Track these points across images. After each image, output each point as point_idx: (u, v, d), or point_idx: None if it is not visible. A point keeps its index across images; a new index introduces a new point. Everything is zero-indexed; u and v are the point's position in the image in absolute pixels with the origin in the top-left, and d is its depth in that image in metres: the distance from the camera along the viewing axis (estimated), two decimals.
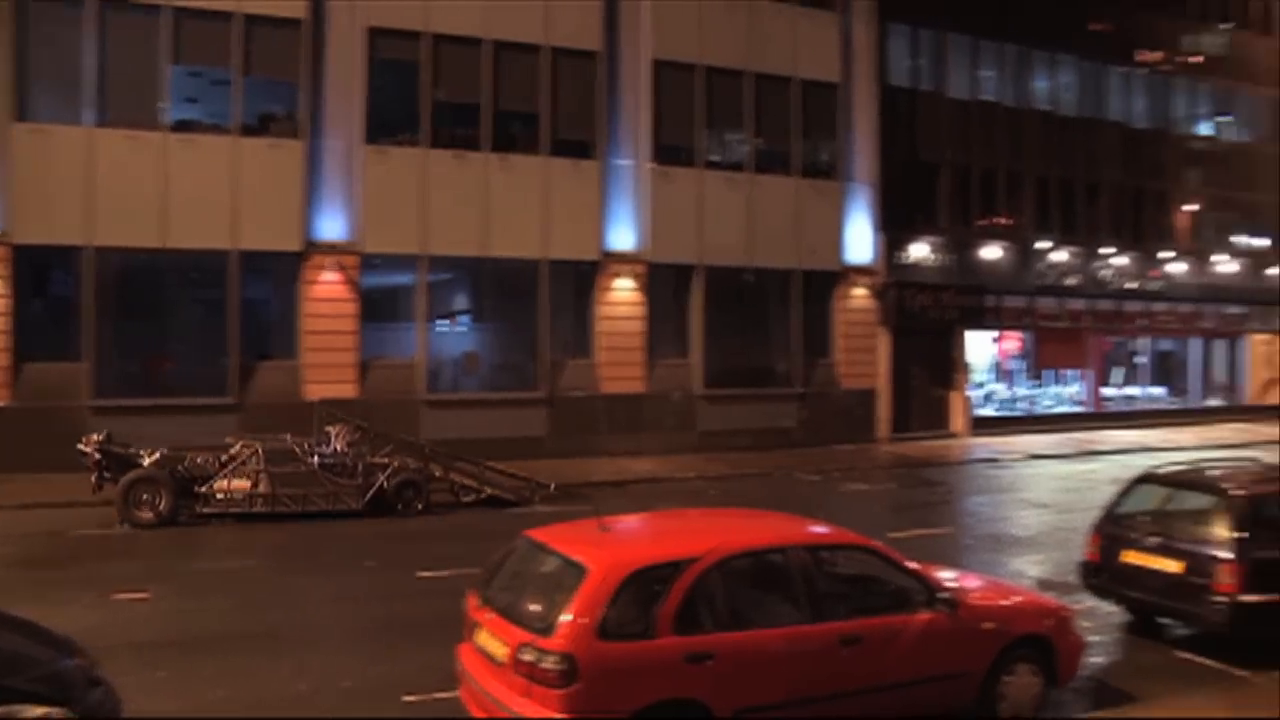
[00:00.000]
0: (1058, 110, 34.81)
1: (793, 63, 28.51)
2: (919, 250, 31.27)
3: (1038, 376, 35.69)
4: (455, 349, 26.23)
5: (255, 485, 17.06)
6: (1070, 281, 34.61)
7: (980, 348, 34.32)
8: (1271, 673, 10.18)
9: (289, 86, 23.23)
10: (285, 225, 23.03)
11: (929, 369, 31.68)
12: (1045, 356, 35.49)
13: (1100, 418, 35.61)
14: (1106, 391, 37.18)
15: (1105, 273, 35.41)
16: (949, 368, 32.22)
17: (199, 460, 17.29)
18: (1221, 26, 39.41)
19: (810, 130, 28.99)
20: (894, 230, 30.60)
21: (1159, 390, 38.90)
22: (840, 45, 29.38)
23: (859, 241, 29.98)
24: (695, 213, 27.24)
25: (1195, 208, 38.59)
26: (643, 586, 7.25)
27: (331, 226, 23.77)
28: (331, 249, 23.65)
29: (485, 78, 25.02)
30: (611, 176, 26.49)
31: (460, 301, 27.71)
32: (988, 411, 33.75)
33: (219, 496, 16.93)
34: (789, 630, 7.63)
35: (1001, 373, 35.45)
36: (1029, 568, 14.90)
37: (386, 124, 24.19)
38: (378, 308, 24.77)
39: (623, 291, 26.55)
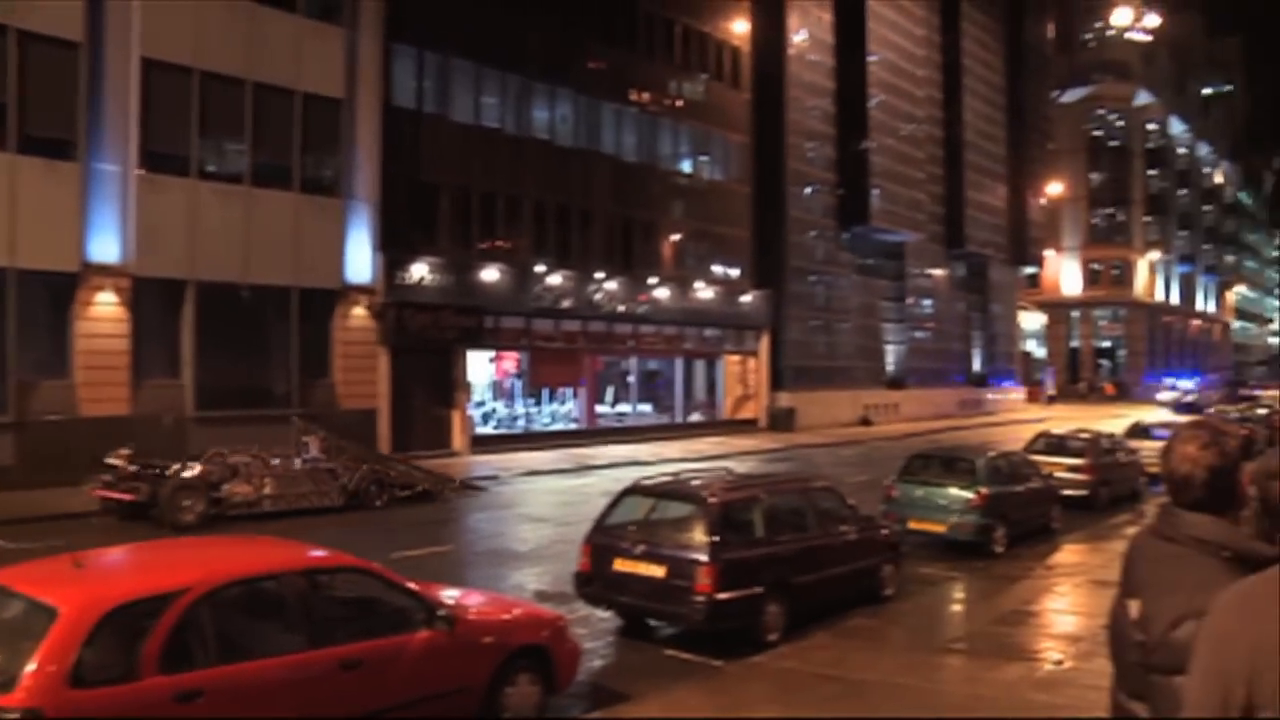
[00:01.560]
0: (556, 140, 35.85)
1: (296, 75, 27.66)
2: (420, 270, 31.19)
3: (536, 395, 36.53)
4: None
5: (263, 488, 19.83)
6: (566, 304, 35.56)
7: (480, 367, 34.75)
8: (743, 660, 11.30)
9: None
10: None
11: (430, 389, 31.78)
12: (542, 376, 36.42)
13: (595, 434, 37.05)
14: (600, 409, 38.58)
15: (598, 296, 36.59)
16: (449, 387, 32.43)
17: (210, 468, 19.46)
18: (701, 76, 42.50)
19: (312, 145, 28.27)
20: (395, 250, 30.45)
21: (647, 407, 41.04)
22: (345, 61, 28.88)
23: (359, 260, 29.61)
24: (187, 225, 25.66)
25: (678, 238, 40.97)
26: (123, 625, 6.70)
27: None
28: None
29: None
30: (94, 182, 24.35)
31: None
32: (488, 430, 34.30)
33: (236, 499, 19.42)
34: (286, 659, 7.37)
35: (501, 391, 36.10)
36: (529, 581, 15.27)
37: None
38: None
39: (105, 306, 24.47)
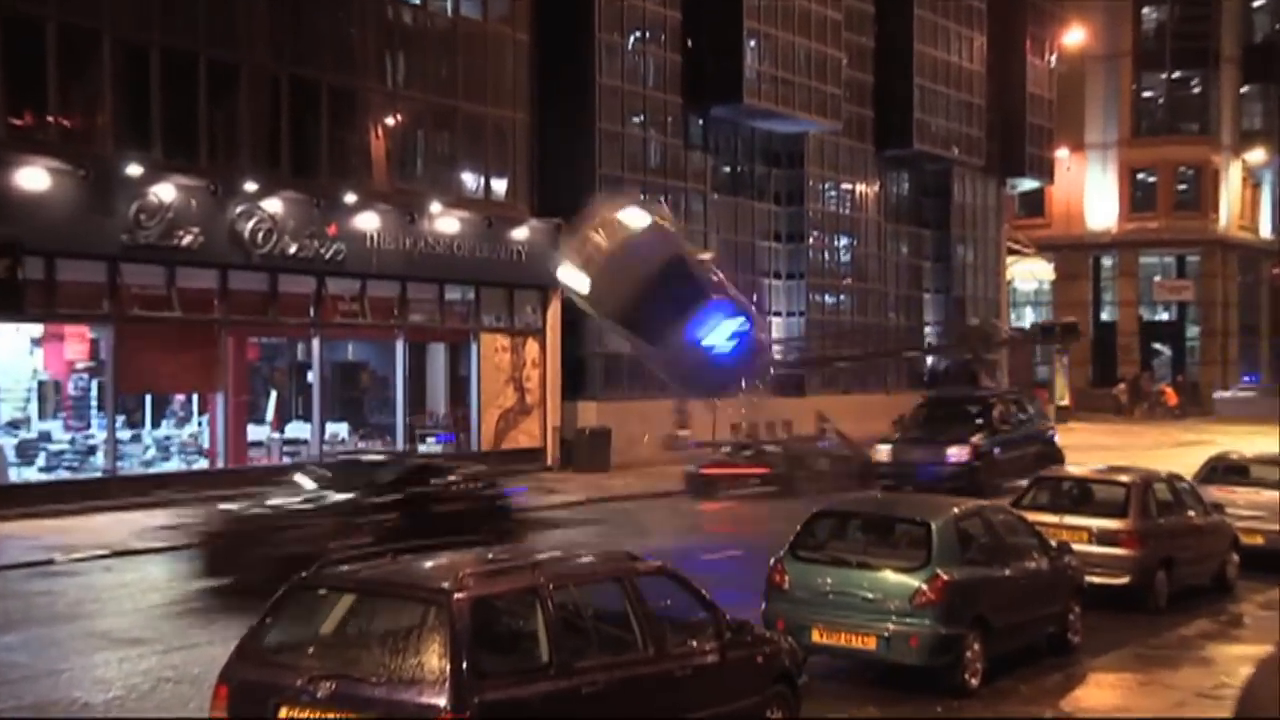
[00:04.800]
0: None
1: None
2: None
3: (129, 408, 36.44)
4: None
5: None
6: (187, 239, 34.61)
7: (14, 356, 34.29)
8: None
9: None
10: None
11: None
12: (142, 372, 35.56)
13: (245, 479, 34.64)
14: (256, 432, 38.68)
15: (251, 225, 35.85)
16: None
17: None
18: None
19: None
20: None
21: (340, 428, 40.95)
22: None
23: None
24: None
25: (397, 121, 41.42)
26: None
27: None
28: None
29: None
30: None
31: None
32: (32, 475, 33.92)
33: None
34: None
35: (57, 402, 35.56)
36: None
37: None
38: None
39: None
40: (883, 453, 37.05)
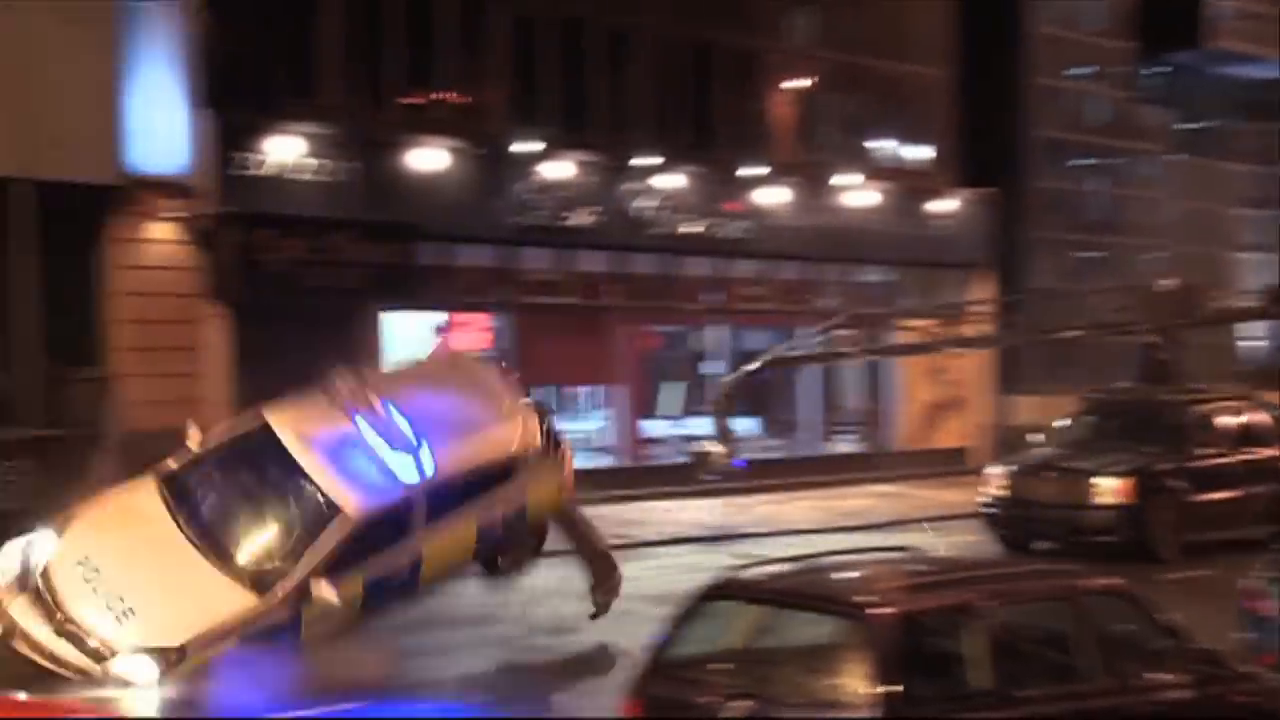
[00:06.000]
0: None
1: None
2: (286, 149, 31.57)
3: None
4: None
5: None
6: (581, 219, 36.00)
7: (412, 344, 33.79)
8: None
9: None
10: None
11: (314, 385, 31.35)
12: (538, 362, 35.62)
13: (637, 476, 36.62)
14: (649, 427, 39.63)
15: (646, 203, 37.05)
16: None
17: None
18: None
19: None
20: (236, 107, 30.57)
21: (747, 424, 40.83)
22: None
23: (159, 126, 29.27)
24: None
25: (805, 85, 41.94)
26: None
27: None
28: None
29: None
30: None
31: None
32: None
33: None
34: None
35: None
36: None
37: None
38: None
39: None
40: (995, 480, 26.60)
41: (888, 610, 11.34)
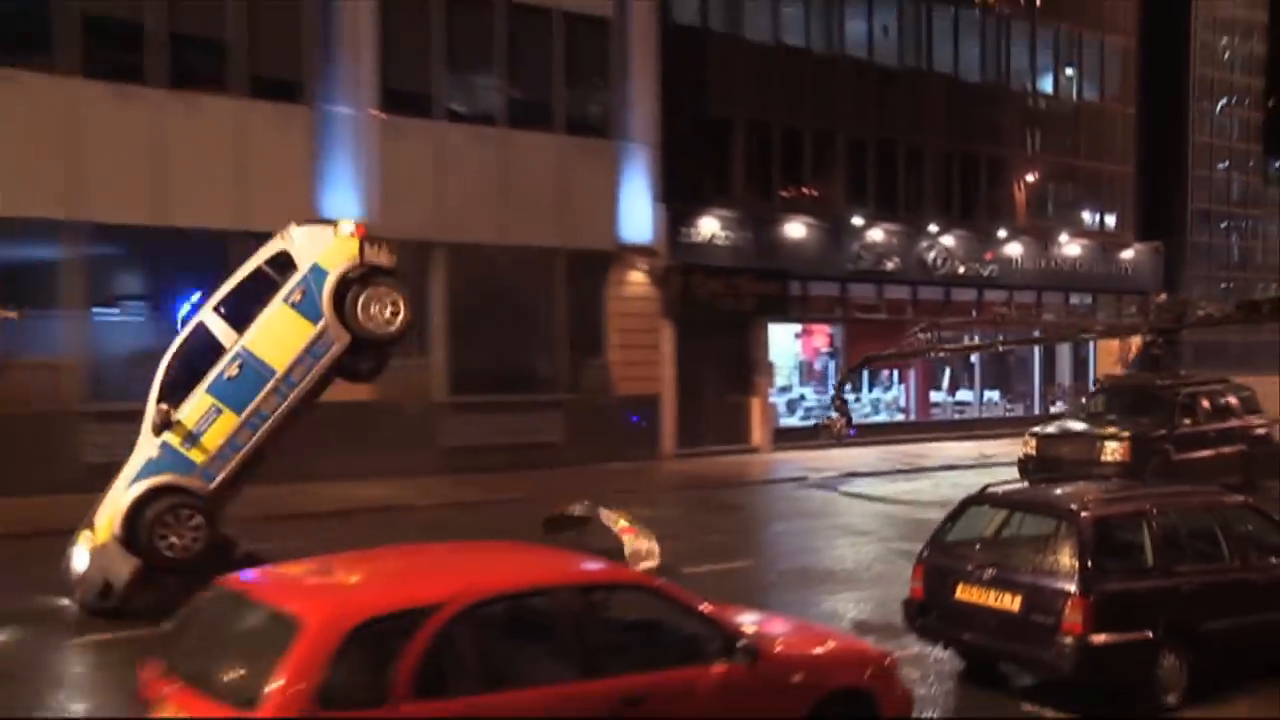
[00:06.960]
0: (876, 58, 36.22)
1: None
2: (709, 226, 31.98)
3: (854, 380, 36.31)
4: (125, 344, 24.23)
5: None
6: (890, 265, 35.98)
7: (783, 344, 35.48)
8: None
9: None
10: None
11: (723, 371, 32.43)
12: (861, 355, 35.33)
13: (927, 428, 37.05)
14: (935, 396, 39.00)
15: (931, 254, 36.99)
16: (747, 369, 33.08)
17: None
18: None
19: (577, 76, 29.09)
20: (679, 201, 31.10)
21: (994, 395, 40.88)
22: None
23: (637, 214, 30.34)
24: (434, 175, 26.74)
25: (1035, 177, 41.01)
26: (374, 642, 7.13)
27: None
28: None
29: None
30: (327, 127, 25.72)
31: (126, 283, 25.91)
32: (794, 421, 34.86)
33: None
34: (557, 689, 7.59)
35: (809, 374, 36.87)
36: (846, 607, 15.33)
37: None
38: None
39: None
40: (1028, 443, 25.56)
41: (1089, 514, 11.42)
